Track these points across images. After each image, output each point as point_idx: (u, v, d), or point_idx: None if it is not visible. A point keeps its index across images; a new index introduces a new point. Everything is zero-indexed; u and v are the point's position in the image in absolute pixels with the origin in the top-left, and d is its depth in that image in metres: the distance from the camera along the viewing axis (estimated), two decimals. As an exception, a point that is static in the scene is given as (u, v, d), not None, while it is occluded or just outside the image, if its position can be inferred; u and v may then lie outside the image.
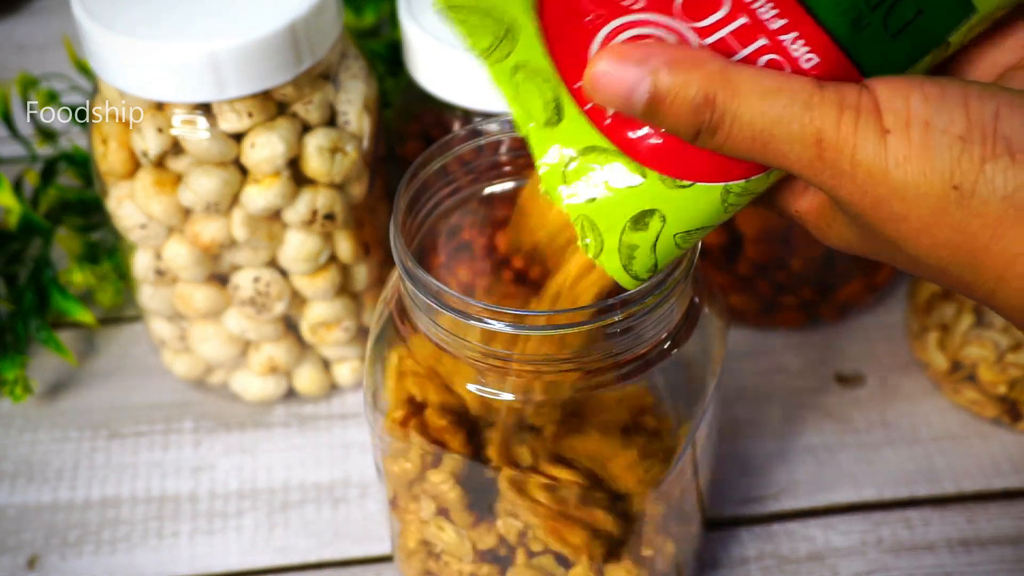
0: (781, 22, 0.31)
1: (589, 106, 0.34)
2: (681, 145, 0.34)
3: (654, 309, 0.37)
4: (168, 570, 0.50)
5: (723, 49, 0.32)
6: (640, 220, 0.35)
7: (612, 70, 0.31)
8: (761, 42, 0.32)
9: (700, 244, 0.39)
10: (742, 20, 0.31)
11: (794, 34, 0.31)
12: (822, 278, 0.57)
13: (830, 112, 0.30)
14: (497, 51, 0.34)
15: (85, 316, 0.58)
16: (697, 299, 0.41)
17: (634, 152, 0.34)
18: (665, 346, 0.39)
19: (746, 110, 0.30)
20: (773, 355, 0.58)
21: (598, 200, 0.35)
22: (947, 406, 0.56)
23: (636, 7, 0.32)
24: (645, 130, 0.34)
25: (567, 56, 0.34)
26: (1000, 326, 0.52)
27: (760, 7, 0.31)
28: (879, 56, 0.31)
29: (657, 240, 0.35)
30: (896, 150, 0.29)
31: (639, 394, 0.44)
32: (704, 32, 0.32)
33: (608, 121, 0.34)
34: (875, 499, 0.52)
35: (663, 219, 0.35)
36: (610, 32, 0.33)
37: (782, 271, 0.57)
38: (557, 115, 0.34)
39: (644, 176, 0.34)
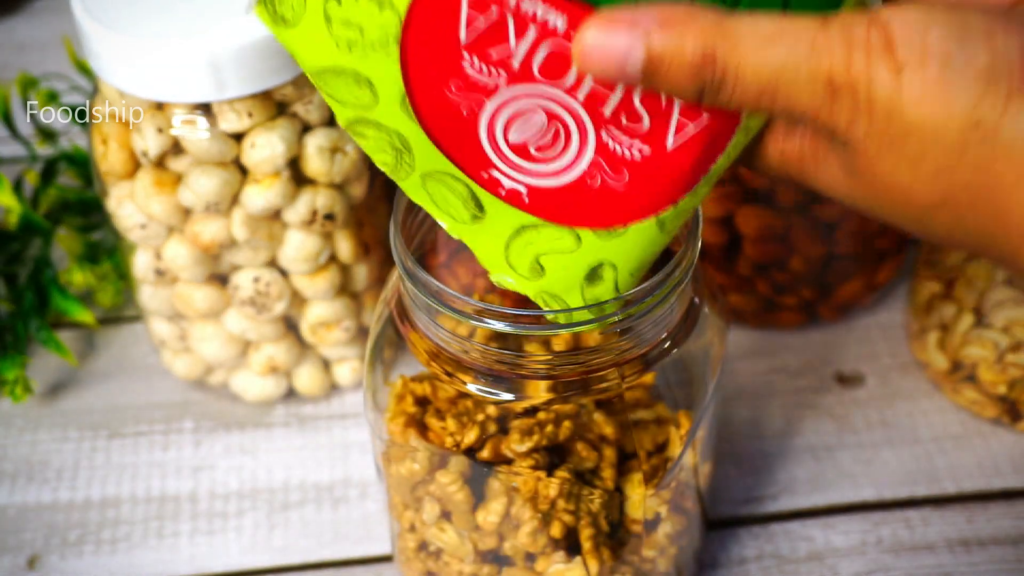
0: None
1: (504, 191, 0.34)
2: (605, 197, 0.34)
3: (654, 309, 0.37)
4: (168, 570, 0.50)
5: (597, 98, 0.32)
6: (593, 275, 0.35)
7: (601, 39, 0.29)
8: None
9: (700, 244, 0.39)
10: None
11: None
12: (822, 278, 0.57)
13: (838, 52, 0.28)
14: (403, 165, 0.34)
15: (85, 316, 0.58)
16: (697, 299, 0.41)
17: (562, 218, 0.34)
18: (665, 346, 0.39)
19: (749, 61, 0.28)
20: (773, 355, 0.58)
21: (548, 273, 0.35)
22: (947, 406, 0.56)
23: (499, 85, 0.32)
24: (566, 195, 0.34)
25: (461, 152, 0.34)
26: (1000, 326, 0.52)
27: None
28: None
29: (616, 284, 0.36)
30: (912, 86, 0.27)
31: (639, 394, 0.44)
32: (572, 90, 0.32)
33: (527, 200, 0.34)
34: (875, 499, 0.52)
35: (613, 267, 0.35)
36: (490, 118, 0.33)
37: (782, 271, 0.57)
38: (479, 209, 0.35)
39: (580, 237, 0.35)
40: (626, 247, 0.35)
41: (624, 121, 0.32)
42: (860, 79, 0.28)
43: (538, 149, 0.34)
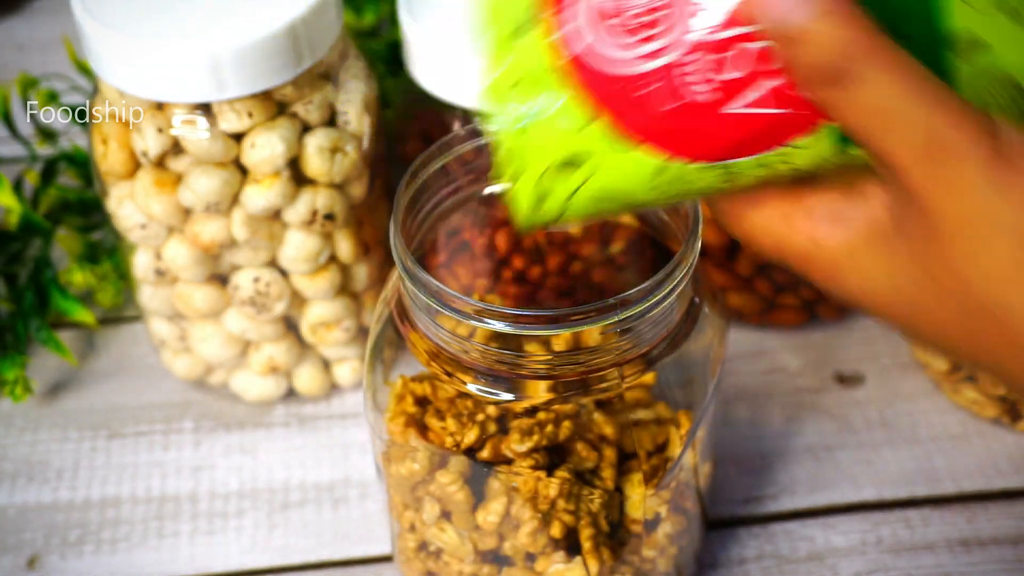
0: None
1: (557, 36, 0.31)
2: (638, 109, 0.31)
3: (654, 309, 0.37)
4: (168, 570, 0.50)
5: (726, 19, 0.30)
6: (570, 164, 0.32)
7: None
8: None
9: (700, 244, 0.39)
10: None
11: None
12: (822, 278, 0.57)
13: (954, 115, 0.28)
14: None
15: (85, 316, 0.58)
16: (697, 299, 0.41)
17: (591, 92, 0.32)
18: (665, 346, 0.39)
19: (888, 78, 0.28)
20: (773, 355, 0.58)
21: (531, 131, 0.32)
22: (947, 406, 0.56)
23: None
24: (607, 83, 0.31)
25: None
26: (1000, 326, 0.52)
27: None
28: None
29: (575, 193, 0.33)
30: (1002, 178, 0.27)
31: (639, 393, 0.44)
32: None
33: (569, 57, 0.31)
34: (875, 499, 0.52)
35: (593, 171, 0.32)
36: None
37: (782, 271, 0.57)
38: (523, 30, 0.32)
39: (590, 120, 0.32)
40: (617, 164, 0.32)
41: (727, 56, 0.30)
42: (962, 150, 0.28)
43: (625, 25, 0.31)
